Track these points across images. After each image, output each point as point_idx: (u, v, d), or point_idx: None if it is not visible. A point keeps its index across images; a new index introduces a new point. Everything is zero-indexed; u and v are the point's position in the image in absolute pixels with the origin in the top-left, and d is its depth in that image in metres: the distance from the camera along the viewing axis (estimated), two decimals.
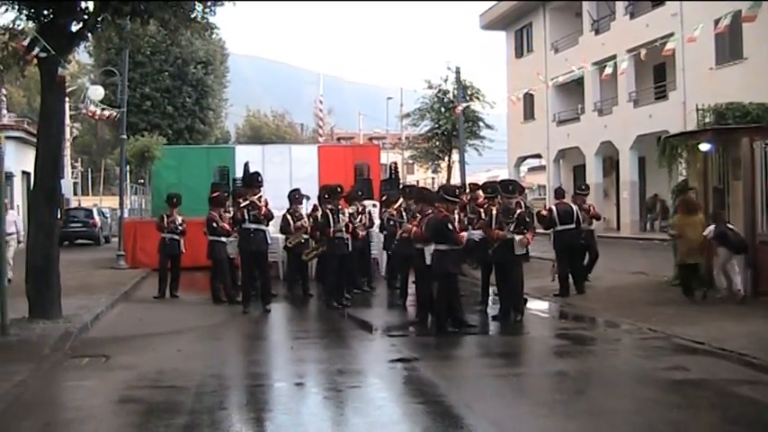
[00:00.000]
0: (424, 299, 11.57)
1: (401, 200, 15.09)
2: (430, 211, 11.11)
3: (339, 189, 14.01)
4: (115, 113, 22.09)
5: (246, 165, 20.64)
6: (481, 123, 38.62)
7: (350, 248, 13.80)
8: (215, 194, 15.26)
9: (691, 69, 27.89)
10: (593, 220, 15.07)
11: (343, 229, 13.59)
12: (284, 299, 14.92)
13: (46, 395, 7.70)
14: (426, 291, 11.42)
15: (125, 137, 23.10)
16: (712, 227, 12.44)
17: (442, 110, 38.08)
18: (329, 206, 13.71)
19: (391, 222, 14.87)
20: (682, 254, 13.02)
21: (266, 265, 13.58)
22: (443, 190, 11.35)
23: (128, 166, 25.45)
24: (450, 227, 10.55)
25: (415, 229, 11.39)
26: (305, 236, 14.79)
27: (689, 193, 13.87)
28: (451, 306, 10.74)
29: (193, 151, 28.53)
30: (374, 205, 17.89)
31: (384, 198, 16.57)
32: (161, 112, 37.45)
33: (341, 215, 13.67)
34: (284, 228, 14.90)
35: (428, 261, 10.87)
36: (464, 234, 10.82)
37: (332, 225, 13.48)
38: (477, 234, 11.52)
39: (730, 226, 12.52)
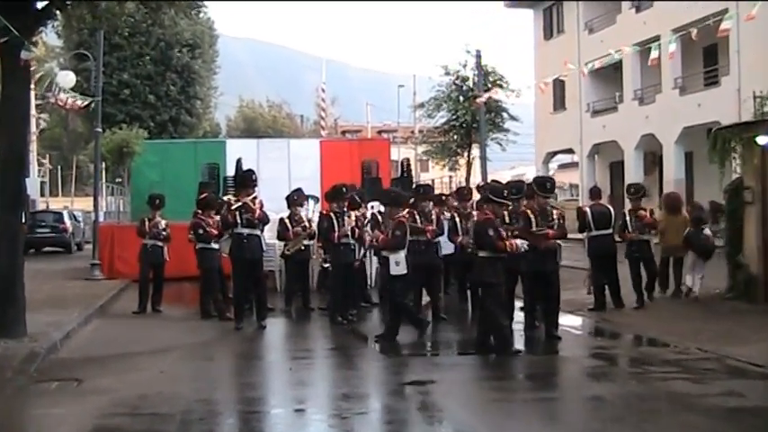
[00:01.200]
0: (391, 312, 11.77)
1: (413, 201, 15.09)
2: (400, 214, 11.49)
3: (344, 189, 14.04)
4: (88, 103, 22.13)
5: (239, 161, 20.63)
6: (505, 114, 38.73)
7: (357, 256, 13.81)
8: (203, 195, 15.27)
9: (747, 52, 27.82)
10: (649, 229, 14.65)
11: (349, 234, 13.60)
12: (282, 313, 14.94)
13: (9, 425, 7.68)
14: (398, 301, 11.65)
15: (100, 130, 23.14)
16: (690, 231, 14.90)
17: (461, 99, 38.18)
18: (333, 208, 13.77)
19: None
20: (662, 250, 15.54)
21: (261, 275, 13.60)
22: (490, 190, 11.40)
23: (103, 163, 25.62)
24: (491, 232, 10.55)
25: (381, 235, 11.61)
26: (305, 242, 14.81)
27: (673, 192, 15.51)
28: (494, 322, 10.61)
29: (179, 146, 28.64)
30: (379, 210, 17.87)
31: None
32: (141, 101, 37.67)
33: (346, 218, 13.69)
34: (281, 233, 14.91)
35: (393, 270, 11.29)
36: (516, 242, 10.76)
37: (336, 229, 13.50)
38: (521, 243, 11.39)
39: (707, 232, 14.88)
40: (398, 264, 11.44)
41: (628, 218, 14.48)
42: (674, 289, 15.57)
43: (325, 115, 53.49)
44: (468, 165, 39.29)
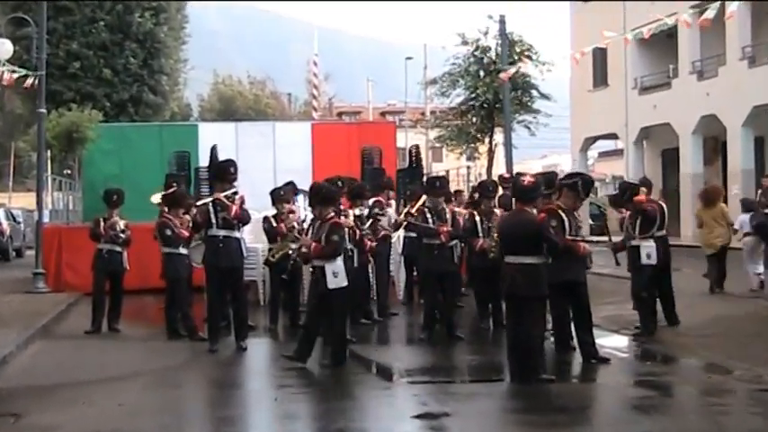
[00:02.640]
0: (312, 334, 11.78)
1: (424, 197, 15.10)
2: (332, 214, 11.60)
3: (339, 183, 14.07)
4: (29, 78, 22.13)
5: (214, 149, 20.65)
6: (534, 92, 38.74)
7: (354, 263, 13.81)
8: (171, 190, 15.28)
9: None
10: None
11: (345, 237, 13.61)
12: (266, 332, 14.99)
13: None
14: (329, 322, 11.72)
15: (44, 111, 23.08)
16: (746, 217, 16.44)
17: (481, 74, 38.23)
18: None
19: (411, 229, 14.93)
20: (704, 245, 17.49)
21: (241, 285, 13.63)
22: (545, 180, 11.66)
23: (48, 152, 25.55)
24: (551, 231, 10.76)
25: (314, 244, 11.55)
26: (293, 245, 14.79)
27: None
28: (534, 344, 10.58)
29: (141, 131, 28.68)
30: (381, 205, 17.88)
31: (403, 193, 16.64)
32: (95, 76, 37.56)
33: (342, 218, 13.69)
34: (270, 233, 15.00)
35: (330, 283, 11.27)
36: (586, 246, 10.84)
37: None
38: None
39: None
40: (337, 275, 11.43)
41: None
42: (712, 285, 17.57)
43: (318, 94, 53.52)
44: (490, 153, 39.28)
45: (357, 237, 13.84)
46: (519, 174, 15.34)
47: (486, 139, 39.56)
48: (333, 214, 11.73)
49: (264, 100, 72.13)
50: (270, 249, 15.13)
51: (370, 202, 16.04)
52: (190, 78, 49.70)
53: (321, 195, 11.91)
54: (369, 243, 14.77)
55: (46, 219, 23.22)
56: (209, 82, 74.69)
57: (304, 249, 11.87)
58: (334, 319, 11.69)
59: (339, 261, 11.47)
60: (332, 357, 11.63)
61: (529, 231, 10.61)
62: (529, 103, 38.64)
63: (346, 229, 12.10)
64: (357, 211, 14.82)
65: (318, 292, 11.63)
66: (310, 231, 12.03)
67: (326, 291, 11.41)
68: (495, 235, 12.70)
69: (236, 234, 13.16)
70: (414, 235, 15.61)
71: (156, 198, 15.92)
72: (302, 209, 15.25)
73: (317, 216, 11.92)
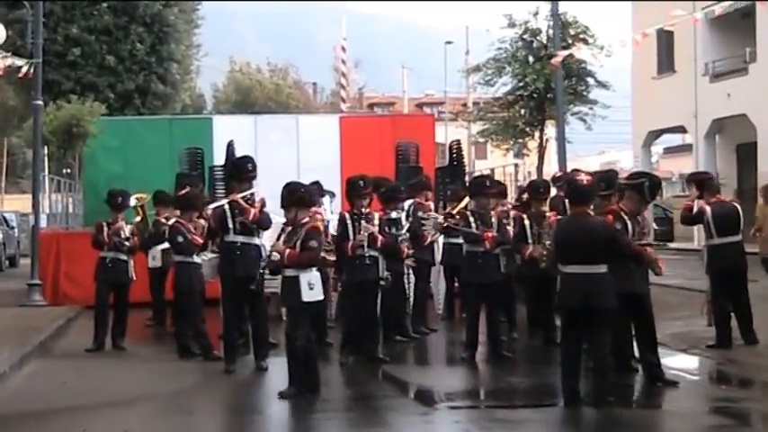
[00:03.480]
0: (295, 351, 11.60)
1: (467, 198, 15.06)
2: (306, 220, 11.45)
3: (361, 183, 13.92)
4: (24, 67, 22.24)
5: (230, 146, 20.67)
6: (591, 80, 38.57)
7: (382, 273, 13.76)
8: (183, 192, 15.32)
9: None
10: None
11: (366, 243, 13.52)
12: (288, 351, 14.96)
13: None
14: (297, 345, 11.50)
15: (41, 102, 23.25)
16: None
17: (530, 60, 38.10)
18: (351, 209, 13.85)
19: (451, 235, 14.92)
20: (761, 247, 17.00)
21: (261, 298, 13.63)
22: (604, 180, 11.85)
23: (46, 149, 25.70)
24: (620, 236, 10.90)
25: (288, 250, 11.38)
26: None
27: None
28: (602, 366, 10.58)
29: (148, 125, 28.68)
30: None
31: (442, 194, 16.58)
32: (97, 64, 37.63)
33: (363, 222, 13.59)
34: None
35: (304, 295, 11.18)
36: (655, 254, 10.87)
37: (351, 237, 13.51)
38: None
39: None
40: (312, 286, 11.31)
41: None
42: None
43: (347, 83, 53.51)
44: (541, 149, 39.17)
45: (379, 243, 13.71)
46: (575, 171, 15.28)
47: (536, 134, 39.42)
48: (308, 218, 11.56)
49: (286, 90, 72.13)
50: None
51: (406, 204, 16.03)
52: (203, 66, 49.84)
53: (297, 196, 11.73)
54: (406, 250, 14.77)
55: (43, 223, 23.38)
56: (224, 70, 74.78)
57: (275, 257, 11.69)
58: (300, 335, 11.45)
59: (316, 271, 11.42)
60: (290, 380, 11.44)
61: (598, 237, 10.55)
62: (584, 93, 38.51)
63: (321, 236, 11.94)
64: (394, 215, 14.78)
65: (288, 305, 11.64)
66: (282, 237, 11.82)
67: (300, 304, 11.25)
68: (548, 242, 12.64)
69: (256, 240, 13.22)
70: (454, 241, 15.58)
71: (134, 200, 16.09)
72: (329, 212, 15.23)
73: (291, 220, 11.72)
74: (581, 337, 10.67)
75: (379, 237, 13.61)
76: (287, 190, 11.94)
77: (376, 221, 13.84)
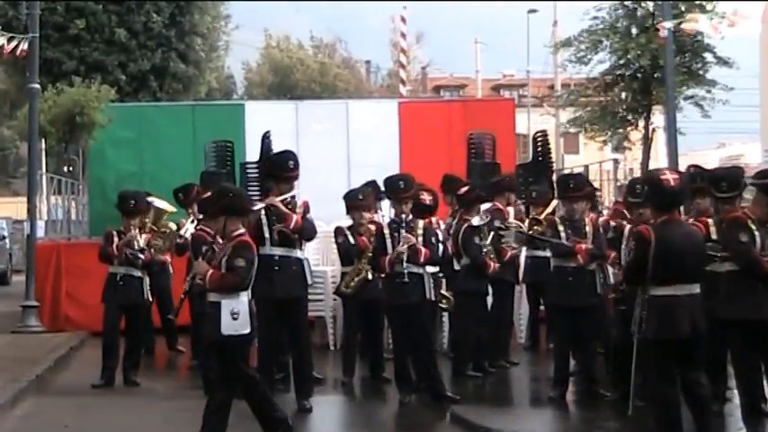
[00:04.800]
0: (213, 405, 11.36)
1: (555, 202, 15.03)
2: (238, 232, 11.16)
3: (402, 183, 13.87)
4: (18, 43, 22.41)
5: (266, 138, 20.77)
6: (708, 57, 38.18)
7: (429, 293, 13.75)
8: (209, 194, 15.42)
9: None
10: None
11: (405, 256, 13.51)
12: (337, 387, 15.08)
13: None
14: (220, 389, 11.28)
15: (37, 86, 23.44)
16: None
17: (633, 31, 37.85)
18: (393, 216, 14.00)
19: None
20: None
21: (303, 323, 13.72)
22: (729, 179, 11.88)
23: (43, 142, 25.93)
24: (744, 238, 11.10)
25: (210, 271, 11.12)
26: (369, 267, 14.78)
27: None
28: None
29: (167, 113, 28.83)
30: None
31: (525, 197, 16.53)
32: (105, 40, 37.80)
33: (403, 232, 13.61)
34: (345, 251, 15.13)
35: (225, 327, 10.79)
36: None
37: (389, 250, 13.59)
38: None
39: None
40: (237, 315, 10.90)
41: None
42: None
43: (407, 61, 53.54)
44: (648, 141, 38.88)
45: (422, 257, 13.62)
46: (694, 166, 15.07)
47: (641, 123, 39.16)
48: (241, 230, 11.24)
49: (334, 70, 72.25)
50: (343, 275, 15.19)
51: (482, 207, 16.02)
52: (233, 42, 49.86)
53: (224, 202, 11.40)
54: (492, 265, 14.89)
55: (40, 232, 23.53)
56: (258, 46, 74.89)
57: (198, 279, 11.44)
58: (225, 380, 11.16)
59: (243, 297, 11.04)
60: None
61: (702, 249, 10.57)
62: (701, 72, 38.15)
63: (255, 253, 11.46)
64: (476, 221, 14.82)
65: (207, 339, 11.45)
66: (207, 253, 11.77)
67: (218, 338, 10.91)
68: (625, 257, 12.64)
69: (298, 253, 13.29)
70: (539, 254, 15.56)
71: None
72: (387, 218, 15.21)
73: (219, 231, 11.55)
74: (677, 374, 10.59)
75: (422, 249, 13.57)
76: (213, 195, 11.81)
77: (420, 230, 13.82)
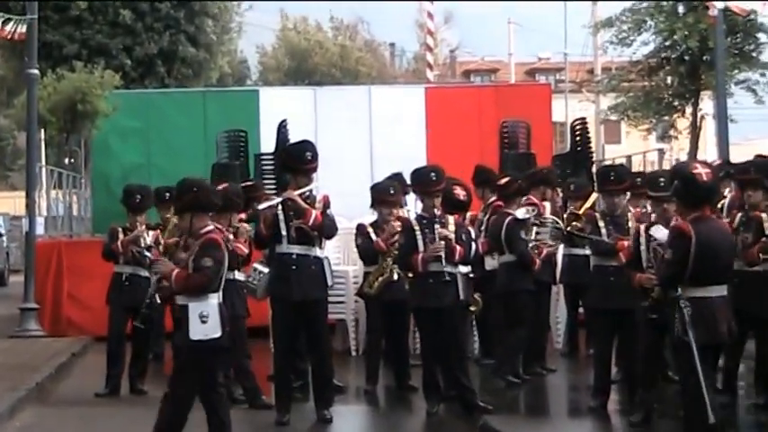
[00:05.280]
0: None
1: (595, 195, 15.00)
2: (206, 229, 10.93)
3: (433, 175, 13.79)
4: (15, 25, 22.41)
5: (283, 127, 20.81)
6: (762, 37, 38.00)
7: (464, 295, 13.70)
8: (221, 187, 15.44)
9: None
10: None
11: (443, 255, 13.44)
12: (359, 395, 15.12)
13: None
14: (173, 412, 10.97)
15: (36, 71, 23.42)
16: None
17: (680, 9, 37.68)
18: (420, 211, 13.94)
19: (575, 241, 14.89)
20: None
21: (323, 328, 13.67)
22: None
23: (43, 132, 25.98)
24: None
25: (176, 271, 10.87)
26: (395, 266, 14.74)
27: None
28: None
29: (176, 100, 28.94)
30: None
31: (563, 190, 16.51)
32: (109, 22, 37.88)
33: (437, 227, 13.52)
34: (365, 251, 15.10)
35: (193, 332, 10.58)
36: None
37: (421, 248, 13.51)
38: None
39: None
40: (206, 319, 10.68)
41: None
42: None
43: (435, 44, 53.50)
44: (696, 129, 38.73)
45: (457, 255, 13.57)
46: (760, 155, 14.97)
47: (688, 109, 39.02)
48: (210, 227, 11.06)
49: (355, 54, 72.25)
50: (366, 275, 15.16)
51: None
52: (246, 23, 49.86)
53: (189, 197, 11.14)
54: (538, 261, 15.12)
55: (39, 230, 23.58)
56: (274, 28, 75.00)
57: (165, 282, 11.22)
58: (183, 392, 10.89)
59: (213, 299, 10.86)
60: None
61: (734, 248, 10.61)
62: (754, 54, 37.98)
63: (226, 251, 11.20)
64: (521, 213, 14.80)
65: (174, 344, 11.26)
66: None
67: (187, 343, 10.73)
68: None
69: (317, 252, 13.24)
70: (577, 252, 15.52)
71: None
72: (413, 213, 15.17)
73: (185, 229, 11.37)
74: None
75: (458, 247, 13.45)
76: (177, 190, 11.44)
77: (451, 226, 13.68)
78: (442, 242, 13.31)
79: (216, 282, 10.77)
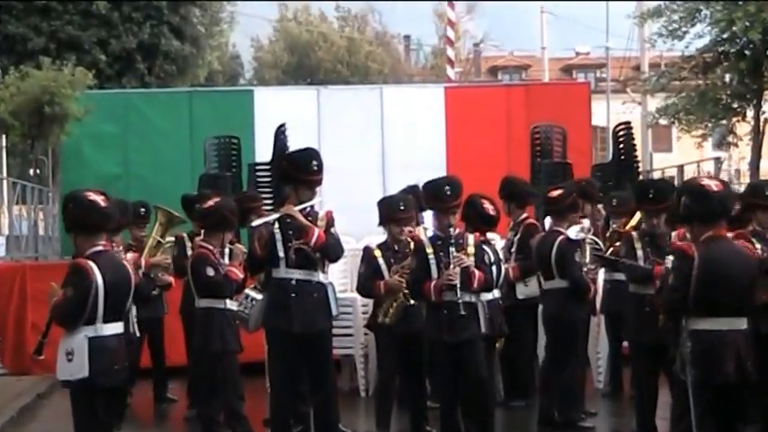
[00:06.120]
0: None
1: (639, 213, 15.05)
2: (98, 248, 10.79)
3: (448, 189, 13.77)
4: None
5: (281, 132, 20.89)
6: None
7: (485, 327, 13.70)
8: (210, 203, 15.46)
9: None
10: None
11: (458, 281, 13.43)
12: None
13: None
14: None
15: None
16: None
17: None
18: (436, 230, 13.89)
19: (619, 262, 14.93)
20: None
21: (327, 364, 13.78)
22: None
23: (4, 138, 26.05)
24: None
25: (55, 299, 10.89)
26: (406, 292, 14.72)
27: None
28: None
29: (159, 102, 28.99)
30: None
31: (604, 205, 16.56)
32: (81, 11, 38.01)
33: (452, 250, 13.48)
34: (364, 281, 14.98)
35: (60, 371, 10.72)
36: None
37: (434, 274, 13.46)
38: None
39: None
40: (71, 357, 10.77)
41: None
42: None
43: (456, 36, 53.56)
44: (759, 135, 38.65)
45: (475, 282, 13.56)
46: (694, 179, 14.84)
47: (749, 112, 38.96)
48: (95, 249, 10.85)
49: (365, 48, 72.31)
50: (377, 305, 15.14)
51: (547, 222, 16.03)
52: (239, 13, 50.09)
53: (68, 214, 11.04)
54: (593, 287, 15.12)
55: (0, 251, 23.62)
56: (271, 19, 75.06)
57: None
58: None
59: (80, 334, 10.78)
60: None
61: (754, 274, 10.75)
62: None
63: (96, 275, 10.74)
64: (573, 232, 14.81)
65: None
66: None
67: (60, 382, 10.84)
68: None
69: (320, 276, 13.30)
70: (619, 278, 15.51)
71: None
72: (431, 232, 15.20)
73: (79, 249, 11.12)
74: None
75: (476, 272, 13.36)
76: (63, 206, 11.38)
77: (471, 248, 13.61)
78: (457, 269, 13.20)
79: (73, 316, 10.70)
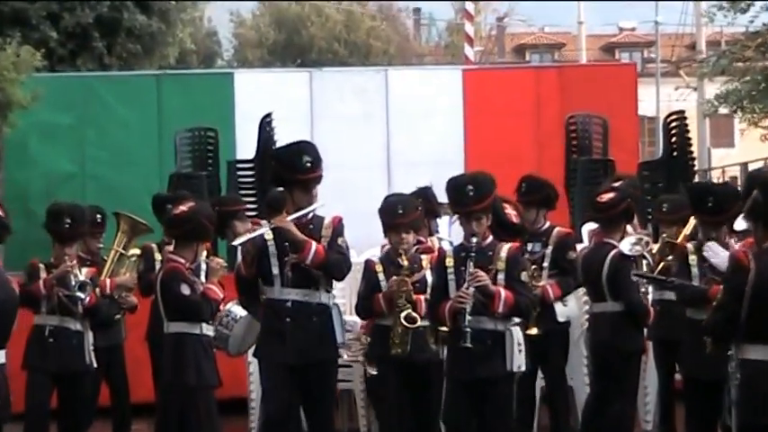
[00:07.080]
0: None
1: (693, 219, 15.07)
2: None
3: (470, 189, 13.68)
4: None
5: (266, 123, 20.90)
6: None
7: (509, 364, 13.56)
8: (183, 208, 15.46)
9: None
10: None
11: (468, 305, 13.28)
12: None
13: None
14: None
15: None
16: None
17: None
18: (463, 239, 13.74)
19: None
20: None
21: (327, 402, 13.86)
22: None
23: None
24: None
25: None
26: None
27: None
28: None
29: (120, 86, 29.03)
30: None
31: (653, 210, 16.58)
32: None
33: (469, 263, 13.39)
34: (363, 301, 15.05)
35: None
36: None
37: (451, 292, 13.27)
38: None
39: None
40: None
41: None
42: None
43: (477, 9, 53.66)
44: None
45: (500, 306, 13.41)
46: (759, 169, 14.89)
47: None
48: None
49: (366, 23, 72.38)
50: (382, 327, 15.11)
51: (584, 231, 16.03)
52: None
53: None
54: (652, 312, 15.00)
55: None
56: None
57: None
58: None
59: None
60: None
61: None
62: None
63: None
64: (628, 245, 14.64)
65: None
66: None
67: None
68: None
69: (322, 297, 13.32)
70: (673, 298, 15.49)
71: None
72: (447, 242, 15.16)
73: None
74: None
75: (500, 292, 12.97)
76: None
77: (501, 263, 13.21)
78: (471, 288, 12.90)
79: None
